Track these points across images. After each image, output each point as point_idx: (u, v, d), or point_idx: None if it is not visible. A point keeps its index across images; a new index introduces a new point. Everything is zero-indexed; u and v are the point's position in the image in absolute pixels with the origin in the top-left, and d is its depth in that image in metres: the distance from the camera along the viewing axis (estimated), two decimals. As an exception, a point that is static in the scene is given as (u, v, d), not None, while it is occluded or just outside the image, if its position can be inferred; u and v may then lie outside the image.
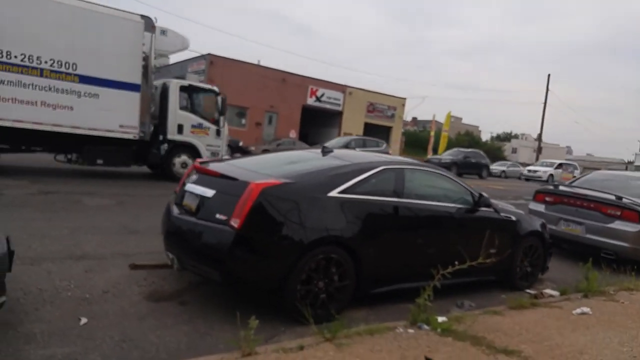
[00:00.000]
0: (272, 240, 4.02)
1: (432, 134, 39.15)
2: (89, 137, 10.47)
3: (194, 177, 4.56)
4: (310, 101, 34.52)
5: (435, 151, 35.81)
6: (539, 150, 47.60)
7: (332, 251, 4.22)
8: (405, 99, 40.11)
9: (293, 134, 33.19)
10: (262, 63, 32.54)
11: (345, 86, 36.23)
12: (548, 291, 5.97)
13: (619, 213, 7.62)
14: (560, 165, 36.00)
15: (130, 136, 10.99)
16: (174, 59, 16.01)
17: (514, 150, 77.92)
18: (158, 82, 12.19)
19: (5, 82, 9.40)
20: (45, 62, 9.77)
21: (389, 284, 4.78)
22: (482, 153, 31.38)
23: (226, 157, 11.49)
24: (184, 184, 4.82)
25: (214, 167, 4.63)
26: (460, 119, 78.21)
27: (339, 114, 36.03)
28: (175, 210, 4.57)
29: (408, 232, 4.87)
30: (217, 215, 4.05)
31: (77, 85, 10.13)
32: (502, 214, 5.77)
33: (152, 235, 6.51)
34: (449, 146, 35.89)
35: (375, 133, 38.01)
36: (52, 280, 4.54)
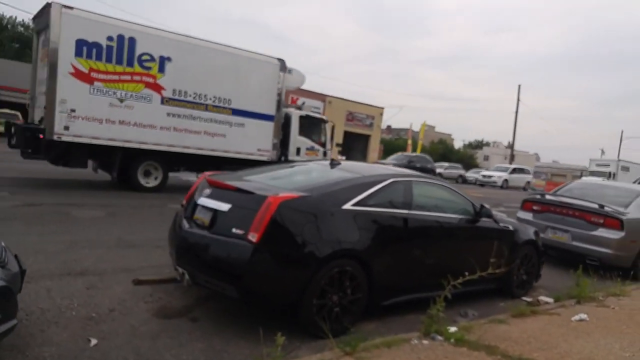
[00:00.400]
0: (290, 254, 4.01)
1: (410, 142, 39.79)
2: (227, 158, 12.16)
3: (208, 191, 4.49)
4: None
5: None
6: (511, 157, 48.72)
7: (347, 264, 4.24)
8: (383, 108, 40.65)
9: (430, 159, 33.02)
10: None
11: (325, 95, 36.43)
12: (543, 298, 6.14)
13: (602, 221, 7.88)
14: (514, 170, 36.24)
15: (264, 158, 12.85)
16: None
17: (486, 158, 79.69)
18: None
19: (181, 116, 11.34)
20: (209, 99, 11.76)
21: (400, 295, 4.83)
22: (428, 157, 30.20)
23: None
24: (192, 197, 4.77)
25: (228, 180, 4.58)
26: (434, 127, 79.42)
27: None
28: (186, 224, 4.52)
29: (417, 243, 4.93)
30: (234, 230, 4.01)
31: (230, 117, 12.13)
32: (501, 224, 5.91)
33: (150, 248, 6.44)
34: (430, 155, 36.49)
35: (355, 141, 38.43)
36: (53, 298, 4.40)
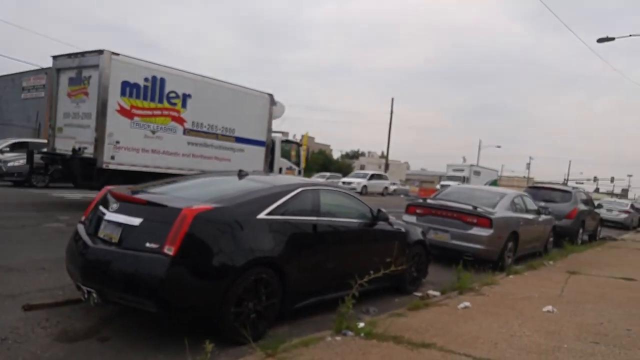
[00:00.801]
0: (208, 265, 4.04)
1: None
2: None
3: (115, 205, 4.34)
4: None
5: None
6: (386, 166, 51.72)
7: (262, 271, 4.36)
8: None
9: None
10: None
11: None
12: (431, 292, 6.74)
13: (475, 221, 8.85)
14: (372, 177, 37.33)
15: None
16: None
17: (362, 167, 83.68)
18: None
19: (198, 144, 12.99)
20: (219, 129, 13.55)
21: (311, 297, 5.05)
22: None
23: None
24: (95, 213, 4.58)
25: (136, 194, 4.47)
26: (313, 138, 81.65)
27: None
28: (90, 242, 4.32)
29: (325, 247, 5.21)
30: (148, 244, 3.94)
31: (234, 144, 14.00)
32: (395, 227, 6.42)
33: (34, 271, 5.96)
34: (311, 165, 37.66)
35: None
36: None
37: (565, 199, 14.07)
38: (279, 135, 17.32)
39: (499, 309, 5.69)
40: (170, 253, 3.84)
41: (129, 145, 11.43)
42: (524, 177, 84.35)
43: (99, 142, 10.89)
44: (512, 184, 68.12)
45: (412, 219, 9.44)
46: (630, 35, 23.33)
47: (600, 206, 18.95)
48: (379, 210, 6.17)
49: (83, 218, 4.85)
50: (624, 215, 25.04)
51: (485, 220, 8.81)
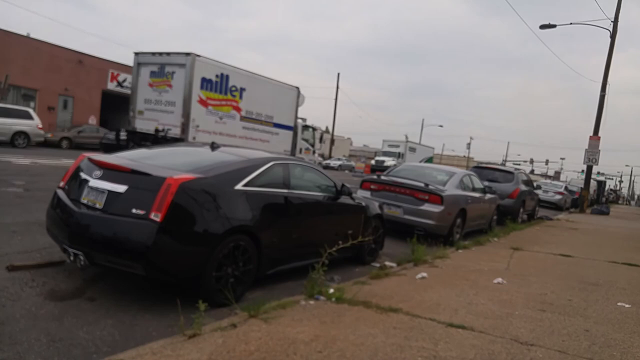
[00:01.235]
0: (192, 231, 4.29)
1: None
2: None
3: (98, 172, 4.48)
4: (112, 86, 32.30)
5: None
6: (332, 142, 52.20)
7: (240, 239, 4.66)
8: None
9: (93, 120, 30.73)
10: (33, 36, 29.14)
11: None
12: (388, 263, 7.23)
13: (427, 197, 9.41)
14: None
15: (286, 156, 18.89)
16: None
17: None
18: None
19: (249, 129, 16.01)
20: (263, 116, 16.59)
21: (282, 264, 5.41)
22: None
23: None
24: (75, 179, 4.70)
25: (119, 162, 4.61)
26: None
27: (143, 100, 34.57)
28: (73, 206, 4.45)
29: (295, 218, 5.54)
30: (134, 210, 4.14)
31: (272, 129, 17.11)
32: (356, 201, 6.82)
33: (4, 234, 5.97)
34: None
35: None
36: None
37: (508, 180, 14.99)
38: (300, 120, 20.15)
39: (454, 280, 6.24)
40: (157, 219, 4.06)
41: (205, 128, 14.45)
42: (464, 156, 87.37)
43: (185, 126, 13.86)
44: (452, 163, 70.53)
45: (367, 194, 9.88)
46: (571, 23, 24.67)
47: (539, 187, 20.21)
48: (343, 185, 6.55)
49: (62, 184, 4.96)
50: (558, 197, 26.75)
51: (436, 197, 9.38)
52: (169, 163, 4.86)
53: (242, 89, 15.48)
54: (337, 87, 50.11)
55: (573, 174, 75.44)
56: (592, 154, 24.24)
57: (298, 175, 5.84)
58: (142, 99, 14.78)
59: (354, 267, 6.85)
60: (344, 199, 6.52)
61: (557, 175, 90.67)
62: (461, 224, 10.12)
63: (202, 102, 14.22)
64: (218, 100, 14.79)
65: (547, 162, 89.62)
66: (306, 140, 21.74)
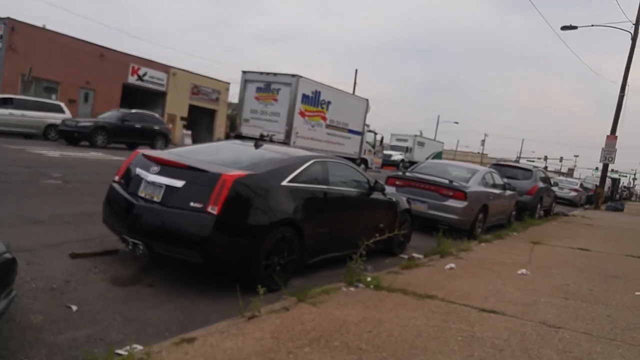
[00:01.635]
0: (245, 223, 4.64)
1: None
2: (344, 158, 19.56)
3: (155, 168, 4.83)
4: (132, 80, 32.76)
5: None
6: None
7: (286, 230, 5.00)
8: (229, 83, 40.62)
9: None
10: (50, 27, 29.56)
11: (169, 66, 35.21)
12: (415, 255, 7.55)
13: (451, 193, 9.70)
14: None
15: (355, 156, 20.51)
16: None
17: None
18: None
19: (331, 134, 18.78)
20: (341, 123, 19.41)
21: (321, 254, 5.75)
22: (157, 116, 24.23)
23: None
24: (131, 173, 5.06)
25: (177, 159, 4.96)
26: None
27: (163, 94, 34.95)
28: (132, 199, 4.81)
29: (333, 212, 5.89)
30: (192, 204, 4.49)
31: (347, 134, 19.99)
32: (387, 196, 7.13)
33: (60, 224, 6.36)
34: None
35: (200, 116, 37.88)
36: None
37: (527, 177, 15.21)
38: (365, 126, 23.18)
39: (480, 271, 6.55)
40: (214, 212, 4.41)
41: (302, 134, 17.31)
42: (478, 152, 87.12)
43: (288, 132, 16.73)
44: (466, 159, 70.42)
45: (392, 190, 10.17)
46: (592, 25, 24.71)
47: (556, 184, 20.40)
48: (376, 182, 6.86)
49: (117, 178, 5.31)
50: (573, 194, 26.86)
51: (460, 194, 9.67)
52: (219, 159, 5.21)
53: (329, 102, 18.59)
54: (355, 83, 50.21)
55: (587, 172, 74.84)
56: (608, 153, 24.31)
57: (335, 172, 6.16)
58: (248, 109, 17.79)
59: (384, 259, 7.16)
60: (377, 195, 6.84)
61: (570, 172, 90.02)
62: (483, 218, 10.39)
63: (301, 114, 17.30)
64: (312, 111, 17.92)
65: (561, 159, 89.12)
66: (369, 143, 24.28)
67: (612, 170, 55.66)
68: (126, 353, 3.01)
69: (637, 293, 6.15)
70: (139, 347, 3.15)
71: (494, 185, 11.45)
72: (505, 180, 13.42)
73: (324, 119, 18.50)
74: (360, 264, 5.26)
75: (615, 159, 24.52)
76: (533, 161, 75.03)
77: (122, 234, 4.85)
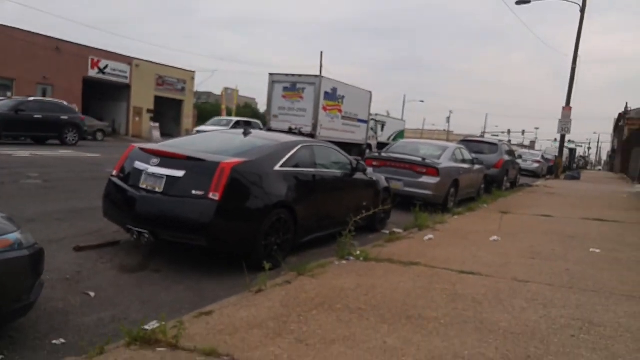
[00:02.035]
0: (244, 207, 5.02)
1: (224, 107, 40.32)
2: (353, 144, 21.15)
3: (155, 160, 5.12)
4: (93, 73, 32.08)
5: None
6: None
7: (281, 213, 5.40)
8: (194, 72, 40.29)
9: (75, 109, 30.69)
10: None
11: (132, 58, 34.65)
12: (396, 230, 8.03)
13: (424, 170, 10.24)
14: (238, 124, 26.55)
15: (363, 142, 22.92)
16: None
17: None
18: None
19: (345, 124, 20.83)
20: (352, 114, 21.40)
21: (313, 233, 6.17)
22: (65, 104, 21.65)
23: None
24: (129, 167, 5.34)
25: (175, 150, 5.27)
26: (237, 91, 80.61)
27: (127, 87, 34.45)
28: (134, 191, 5.11)
29: (322, 193, 6.30)
30: (194, 191, 4.83)
31: (356, 123, 21.93)
32: (369, 176, 7.58)
33: (52, 221, 6.56)
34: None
35: (167, 107, 37.53)
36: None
37: (493, 151, 15.93)
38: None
39: (456, 240, 7.09)
40: (216, 198, 4.76)
41: (325, 126, 19.28)
42: (444, 130, 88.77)
43: (315, 125, 18.73)
44: (433, 137, 71.67)
45: (369, 170, 10.62)
46: None
47: (520, 157, 21.32)
48: (358, 162, 7.30)
49: (115, 172, 5.59)
50: (536, 165, 27.98)
51: (432, 170, 10.22)
52: (213, 149, 5.54)
53: (343, 97, 20.65)
54: (321, 66, 50.36)
55: (547, 143, 77.30)
56: (565, 124, 25.40)
57: (321, 155, 6.56)
58: (276, 106, 19.78)
59: (368, 235, 7.60)
60: (359, 175, 7.27)
61: (532, 145, 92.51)
62: (455, 193, 10.99)
63: (324, 108, 19.35)
64: (331, 106, 19.99)
65: (523, 132, 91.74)
66: (372, 129, 26.30)
67: (569, 141, 57.67)
68: (151, 328, 3.35)
69: (591, 250, 6.82)
70: (161, 323, 3.50)
71: (463, 161, 12.07)
72: (473, 155, 14.09)
73: (340, 111, 20.64)
74: (350, 239, 5.69)
75: (572, 129, 25.65)
76: (497, 135, 76.97)
77: (127, 224, 5.15)
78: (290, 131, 17.77)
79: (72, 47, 30.94)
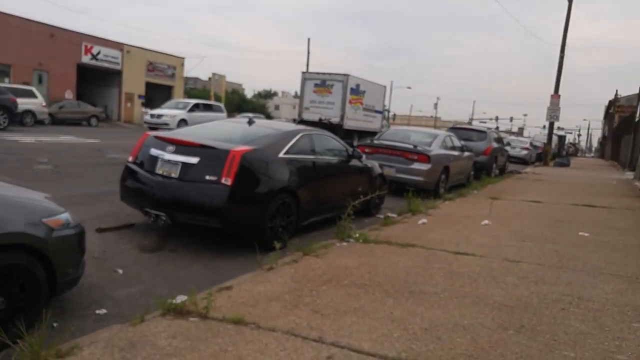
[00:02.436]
0: (253, 191, 5.40)
1: (212, 93, 40.45)
2: (370, 132, 22.47)
3: (171, 147, 5.47)
4: (86, 59, 32.06)
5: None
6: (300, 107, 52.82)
7: (285, 197, 5.79)
8: (184, 58, 40.20)
9: (70, 95, 30.68)
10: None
11: (123, 44, 34.59)
12: (390, 214, 8.46)
13: (416, 157, 10.66)
14: (196, 107, 26.39)
15: (378, 130, 22.61)
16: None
17: (277, 107, 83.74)
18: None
19: (365, 115, 23.43)
20: (370, 106, 23.86)
21: (314, 216, 6.58)
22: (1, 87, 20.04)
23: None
24: (145, 154, 5.68)
25: (189, 138, 5.61)
26: (224, 76, 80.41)
27: (119, 73, 34.43)
28: (150, 176, 5.47)
29: (321, 179, 6.69)
30: (207, 177, 5.20)
31: (374, 113, 24.43)
32: (364, 163, 7.98)
33: (71, 205, 6.78)
34: (228, 106, 37.57)
35: (157, 92, 37.50)
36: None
37: (481, 138, 16.39)
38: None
39: (449, 224, 7.53)
40: (228, 183, 5.14)
41: (350, 117, 21.84)
42: (432, 116, 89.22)
43: (342, 117, 21.34)
44: (420, 124, 72.15)
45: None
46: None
47: (508, 144, 21.84)
48: (354, 149, 7.69)
49: (131, 159, 5.93)
50: (525, 152, 28.58)
51: (424, 157, 10.64)
52: (222, 137, 5.89)
53: (364, 91, 23.23)
54: (308, 53, 50.67)
55: (535, 130, 78.28)
56: (553, 112, 25.98)
57: (320, 143, 6.94)
58: (307, 100, 22.57)
59: (363, 219, 8.01)
60: (355, 162, 7.67)
61: (520, 132, 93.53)
62: (445, 179, 11.44)
63: (350, 102, 21.93)
64: (355, 99, 22.50)
65: (511, 119, 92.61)
66: (385, 118, 29.34)
67: (559, 128, 58.55)
68: (181, 301, 3.73)
69: (580, 233, 7.28)
70: (192, 296, 3.89)
71: (453, 148, 12.49)
72: (462, 142, 14.54)
73: (362, 104, 23.30)
74: (350, 222, 6.11)
75: (562, 116, 26.25)
76: (485, 122, 77.67)
77: (144, 207, 5.51)
78: (320, 121, 20.75)
79: (66, 34, 30.86)
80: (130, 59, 34.96)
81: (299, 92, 24.26)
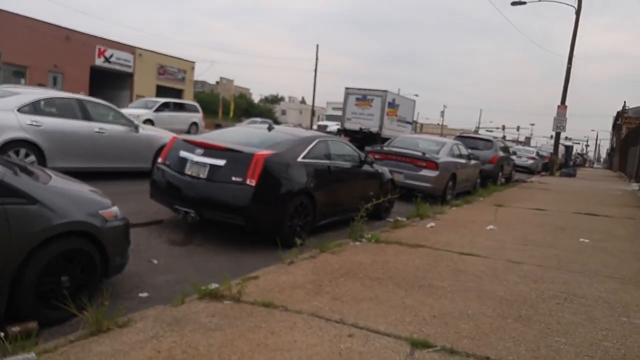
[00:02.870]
0: (275, 192, 5.86)
1: (221, 97, 41.12)
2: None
3: (199, 150, 5.94)
4: (99, 62, 32.93)
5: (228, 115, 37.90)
6: (312, 113, 53.56)
7: (303, 198, 6.25)
8: (194, 62, 41.05)
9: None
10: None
11: (135, 47, 35.37)
12: (399, 218, 8.88)
13: (424, 164, 11.08)
14: (164, 107, 23.16)
15: None
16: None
17: (284, 112, 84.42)
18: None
19: (398, 125, 25.69)
20: (402, 117, 26.16)
21: (328, 217, 7.02)
22: None
23: None
24: (174, 156, 6.15)
25: (216, 142, 6.08)
26: (232, 81, 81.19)
27: (130, 76, 35.19)
28: (180, 177, 5.94)
29: (336, 182, 7.14)
30: (233, 178, 5.66)
31: (404, 124, 26.59)
32: (375, 168, 8.42)
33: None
34: (236, 110, 38.18)
35: (167, 96, 38.09)
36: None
37: (488, 147, 16.79)
38: None
39: (456, 228, 7.95)
40: (252, 184, 5.60)
41: (387, 127, 23.87)
42: (438, 124, 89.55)
43: (381, 127, 23.49)
44: (427, 131, 72.52)
45: (375, 163, 11.49)
46: (540, 0, 26.37)
47: (514, 153, 22.21)
48: (366, 155, 8.13)
49: (161, 160, 6.40)
50: (531, 161, 28.90)
51: (432, 164, 11.07)
52: (245, 141, 6.35)
53: (398, 105, 25.65)
54: (317, 59, 51.32)
55: (543, 139, 78.41)
56: (559, 122, 26.31)
57: (335, 149, 7.38)
58: (349, 112, 24.82)
59: (374, 222, 8.41)
60: (366, 167, 8.11)
61: (527, 141, 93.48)
62: (452, 186, 11.85)
63: (387, 114, 24.31)
64: (391, 112, 24.89)
65: (518, 128, 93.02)
66: (412, 129, 31.63)
67: (566, 138, 58.76)
68: (214, 287, 4.17)
69: (580, 240, 7.67)
70: (226, 282, 4.32)
71: (460, 156, 12.91)
72: (469, 150, 14.95)
73: (396, 115, 25.77)
74: (363, 223, 6.54)
75: (570, 126, 26.64)
76: (491, 131, 77.92)
77: (174, 205, 5.98)
78: (360, 130, 23.92)
79: (80, 37, 31.71)
80: (142, 62, 35.74)
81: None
